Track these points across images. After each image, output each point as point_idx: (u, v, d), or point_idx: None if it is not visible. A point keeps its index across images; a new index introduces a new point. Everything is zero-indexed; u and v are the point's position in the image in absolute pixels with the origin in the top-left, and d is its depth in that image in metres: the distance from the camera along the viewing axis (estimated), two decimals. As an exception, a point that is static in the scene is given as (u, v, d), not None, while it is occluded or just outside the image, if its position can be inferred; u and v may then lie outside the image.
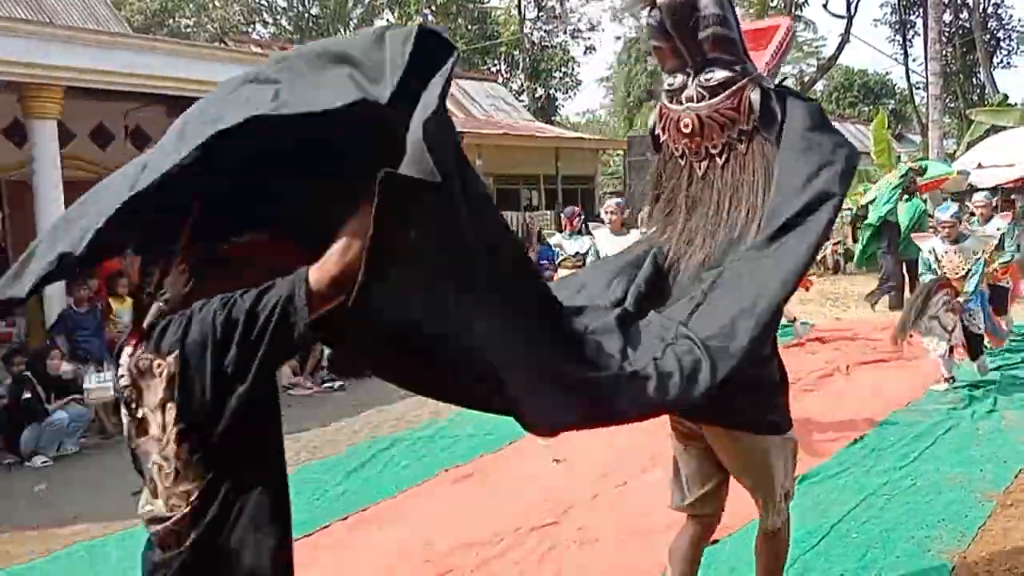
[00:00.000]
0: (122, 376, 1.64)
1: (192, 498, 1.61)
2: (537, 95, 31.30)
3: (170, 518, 1.63)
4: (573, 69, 32.67)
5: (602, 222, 7.76)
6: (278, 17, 34.68)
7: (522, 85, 31.07)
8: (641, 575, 3.77)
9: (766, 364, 2.64)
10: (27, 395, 6.28)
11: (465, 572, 3.90)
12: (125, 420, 1.69)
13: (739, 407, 2.50)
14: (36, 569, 4.27)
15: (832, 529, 4.08)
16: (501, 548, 4.12)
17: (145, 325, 1.64)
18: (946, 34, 23.39)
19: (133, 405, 1.66)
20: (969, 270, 6.52)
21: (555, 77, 32.16)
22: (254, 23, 33.79)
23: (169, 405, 1.58)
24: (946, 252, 6.63)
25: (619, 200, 7.75)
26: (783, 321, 10.43)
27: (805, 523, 4.17)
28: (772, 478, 2.75)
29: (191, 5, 31.68)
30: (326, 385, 8.44)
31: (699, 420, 2.65)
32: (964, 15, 27.59)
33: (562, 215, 8.72)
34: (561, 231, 8.77)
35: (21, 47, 6.89)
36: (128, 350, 1.66)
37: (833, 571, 3.68)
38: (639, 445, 5.83)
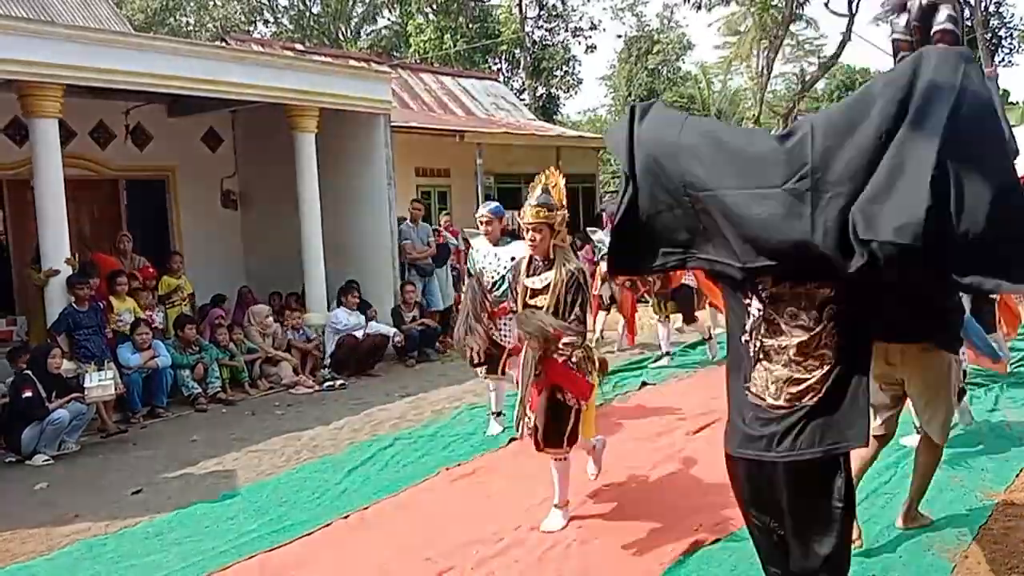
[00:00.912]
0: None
1: (828, 360, 2.38)
2: (538, 94, 31.26)
3: (809, 378, 2.39)
4: (574, 68, 32.61)
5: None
6: (279, 16, 34.67)
7: (523, 84, 31.03)
8: (641, 573, 3.77)
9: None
10: (28, 393, 6.28)
11: (465, 571, 3.90)
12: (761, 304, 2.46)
13: (944, 329, 3.61)
14: (37, 567, 4.27)
15: (833, 528, 4.07)
16: (501, 547, 4.12)
17: None
18: (948, 33, 23.31)
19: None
20: None
21: (556, 76, 32.08)
22: (255, 22, 33.78)
23: (830, 307, 2.36)
24: None
25: (496, 207, 6.47)
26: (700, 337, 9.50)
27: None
28: (948, 391, 3.77)
29: (192, 4, 31.69)
30: (327, 384, 8.44)
31: (919, 341, 3.55)
32: (966, 14, 27.56)
33: (603, 213, 9.84)
34: (602, 229, 10.15)
35: (22, 45, 6.87)
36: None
37: (834, 570, 3.67)
38: (640, 445, 5.83)
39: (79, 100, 8.16)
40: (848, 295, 2.34)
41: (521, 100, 25.24)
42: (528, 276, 4.34)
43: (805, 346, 2.39)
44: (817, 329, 2.38)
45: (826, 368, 2.38)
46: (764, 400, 2.46)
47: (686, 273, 7.87)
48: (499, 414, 6.28)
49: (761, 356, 2.47)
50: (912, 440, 5.28)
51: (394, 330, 9.35)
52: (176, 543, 4.47)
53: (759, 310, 2.47)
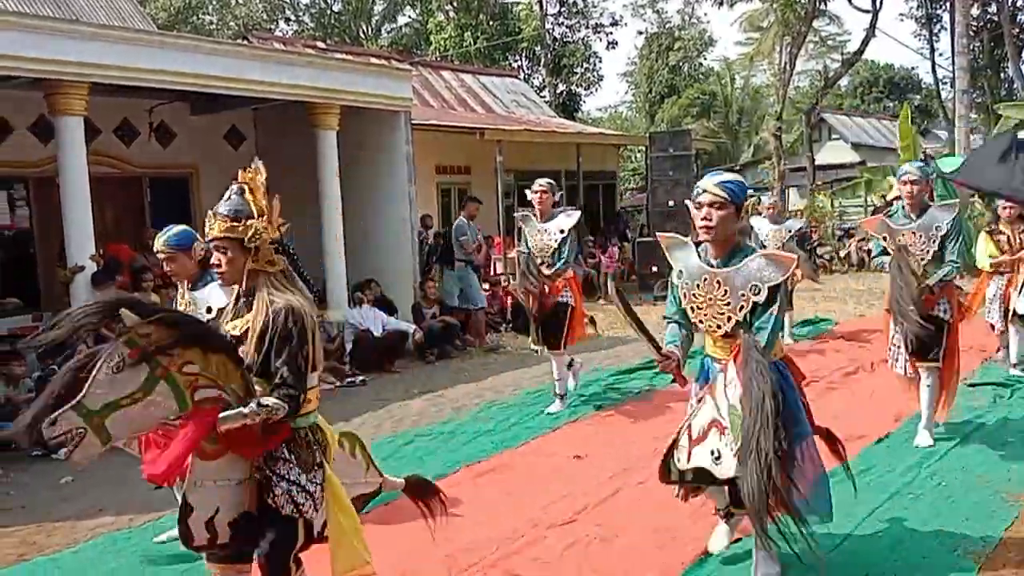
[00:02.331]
0: None
1: None
2: (559, 91, 31.19)
3: None
4: (595, 64, 32.48)
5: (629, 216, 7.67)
6: (300, 14, 34.84)
7: (544, 81, 30.96)
8: (662, 572, 3.76)
9: None
10: (53, 388, 6.35)
11: (484, 568, 3.90)
12: None
13: None
14: (63, 560, 4.32)
15: (857, 528, 4.04)
16: (521, 544, 4.12)
17: None
18: (973, 28, 23.03)
19: None
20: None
21: (577, 73, 31.98)
22: (277, 20, 33.97)
23: None
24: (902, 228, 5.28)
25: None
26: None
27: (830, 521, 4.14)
28: None
29: (214, 2, 31.91)
30: (348, 381, 8.48)
31: None
32: (992, 8, 27.13)
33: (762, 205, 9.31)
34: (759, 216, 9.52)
35: (47, 44, 6.95)
36: None
37: (858, 570, 3.64)
38: (662, 443, 5.81)
39: (103, 98, 8.24)
40: None
41: (541, 97, 25.20)
42: (232, 318, 2.96)
43: None
44: None
45: None
46: None
47: (562, 290, 6.58)
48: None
49: None
50: (924, 440, 5.25)
51: (413, 326, 9.37)
52: (199, 537, 4.51)
53: None
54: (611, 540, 4.15)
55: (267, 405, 2.67)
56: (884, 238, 5.28)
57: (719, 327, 3.34)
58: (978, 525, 4.02)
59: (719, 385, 3.24)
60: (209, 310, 4.02)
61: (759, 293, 3.21)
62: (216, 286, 4.05)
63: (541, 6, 30.04)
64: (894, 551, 3.78)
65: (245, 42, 14.93)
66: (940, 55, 29.82)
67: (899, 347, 5.30)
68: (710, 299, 3.33)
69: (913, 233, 5.19)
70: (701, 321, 3.40)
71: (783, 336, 9.36)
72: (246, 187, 3.02)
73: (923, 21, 29.73)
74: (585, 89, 32.65)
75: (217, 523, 2.79)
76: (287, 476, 2.81)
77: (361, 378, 8.55)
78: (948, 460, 5.01)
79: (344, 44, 27.92)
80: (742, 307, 3.24)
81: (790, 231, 9.26)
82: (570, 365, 6.94)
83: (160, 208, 10.69)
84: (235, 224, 2.91)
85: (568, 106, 30.78)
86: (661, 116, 33.59)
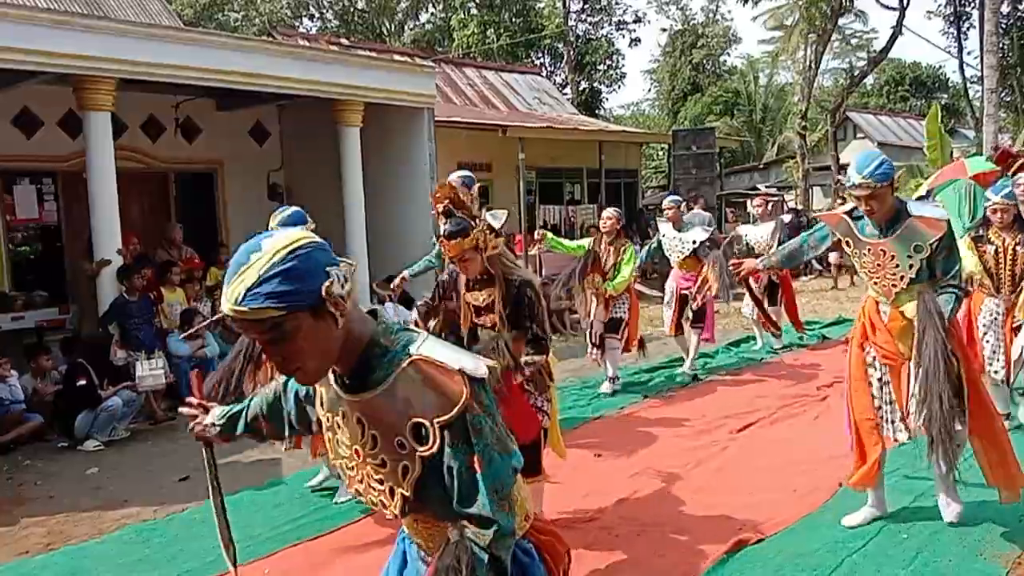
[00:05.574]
0: None
1: None
2: (581, 88, 31.14)
3: None
4: (618, 62, 32.41)
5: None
6: (324, 11, 34.98)
7: (566, 78, 30.91)
8: (682, 572, 3.75)
9: None
10: (82, 381, 6.44)
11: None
12: None
13: None
14: (89, 550, 4.37)
15: (881, 531, 4.01)
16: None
17: None
18: (1003, 25, 22.71)
19: None
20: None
21: (599, 70, 31.93)
22: (301, 17, 34.13)
23: None
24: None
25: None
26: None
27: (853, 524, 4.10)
28: None
29: (239, -1, 32.10)
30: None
31: None
32: (1023, 6, 26.75)
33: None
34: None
35: (77, 40, 7.03)
36: None
37: (882, 573, 3.61)
38: (684, 442, 5.79)
39: (130, 94, 8.31)
40: None
41: (564, 94, 25.16)
42: (468, 290, 3.80)
43: None
44: None
45: None
46: None
47: None
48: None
49: None
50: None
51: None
52: (222, 530, 4.55)
53: None
54: (634, 538, 4.14)
55: (535, 361, 3.63)
56: (847, 243, 3.99)
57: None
58: (1005, 528, 3.97)
59: None
60: (693, 241, 7.51)
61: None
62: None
63: (564, 3, 29.98)
64: (919, 555, 3.74)
65: (270, 39, 15.02)
66: (968, 53, 29.38)
67: (891, 407, 4.05)
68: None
69: (883, 251, 3.82)
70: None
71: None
72: (452, 208, 3.54)
73: (951, 19, 29.37)
74: (607, 86, 32.62)
75: None
76: (534, 403, 3.82)
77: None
78: (973, 462, 4.94)
79: (367, 41, 28.01)
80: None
81: (694, 242, 7.52)
82: None
83: (186, 203, 10.78)
84: (463, 239, 3.52)
85: (590, 103, 30.73)
86: (684, 114, 33.45)
